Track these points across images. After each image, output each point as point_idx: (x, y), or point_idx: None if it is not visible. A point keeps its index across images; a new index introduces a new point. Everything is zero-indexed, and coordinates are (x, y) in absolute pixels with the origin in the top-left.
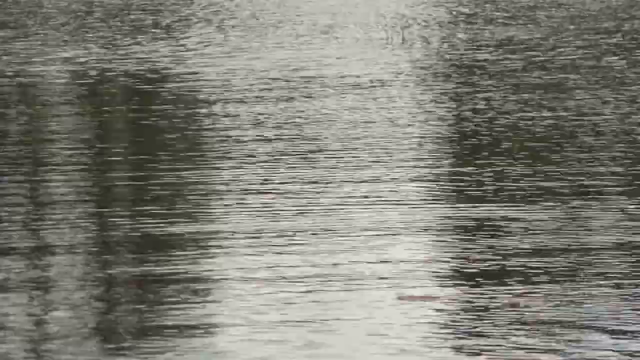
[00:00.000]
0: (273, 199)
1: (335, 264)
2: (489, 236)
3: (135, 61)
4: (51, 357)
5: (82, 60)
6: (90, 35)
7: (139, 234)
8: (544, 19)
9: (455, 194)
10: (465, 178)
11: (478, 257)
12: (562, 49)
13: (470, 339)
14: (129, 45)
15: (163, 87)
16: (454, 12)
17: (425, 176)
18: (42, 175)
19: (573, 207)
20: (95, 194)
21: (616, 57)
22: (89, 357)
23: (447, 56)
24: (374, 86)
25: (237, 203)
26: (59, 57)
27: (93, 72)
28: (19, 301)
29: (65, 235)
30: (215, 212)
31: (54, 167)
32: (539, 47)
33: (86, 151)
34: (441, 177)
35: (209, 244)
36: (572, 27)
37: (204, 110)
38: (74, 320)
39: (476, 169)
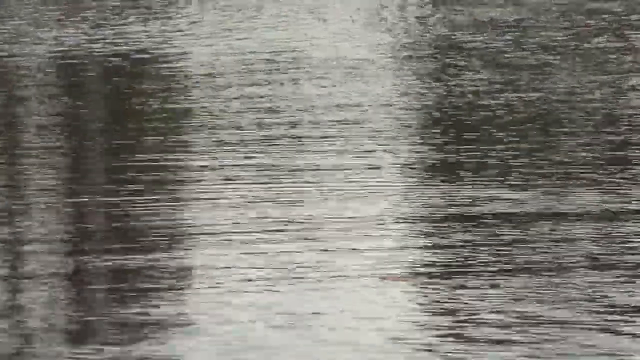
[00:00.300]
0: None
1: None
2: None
3: (123, 41)
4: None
5: (70, 41)
6: (79, 16)
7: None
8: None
9: (434, 178)
10: (448, 161)
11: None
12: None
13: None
14: (118, 25)
15: (151, 67)
16: None
17: (407, 161)
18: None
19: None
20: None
21: (600, 39)
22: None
23: (429, 36)
24: (360, 67)
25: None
26: (48, 37)
27: (81, 53)
28: None
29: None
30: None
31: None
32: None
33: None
34: (424, 161)
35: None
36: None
37: (189, 92)
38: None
39: (458, 152)
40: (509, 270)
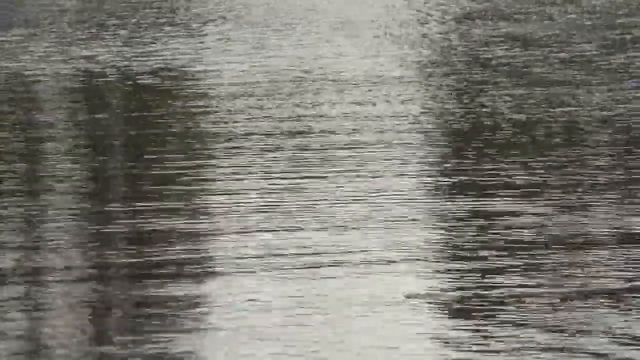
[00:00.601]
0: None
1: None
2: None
3: (154, 59)
4: None
5: (101, 58)
6: (108, 33)
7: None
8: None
9: (453, 187)
10: (466, 172)
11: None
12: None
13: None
14: (148, 42)
15: (181, 85)
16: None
17: (426, 171)
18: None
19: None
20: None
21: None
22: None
23: (457, 52)
24: (392, 83)
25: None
26: (79, 55)
27: (112, 70)
28: None
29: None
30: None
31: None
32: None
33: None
34: (443, 172)
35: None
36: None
37: (214, 105)
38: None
39: (483, 164)
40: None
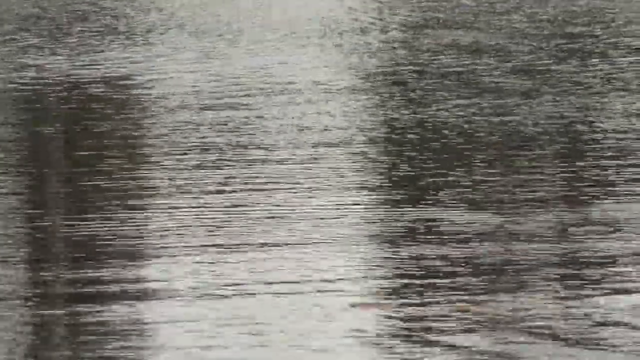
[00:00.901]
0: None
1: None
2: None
3: (105, 67)
4: None
5: (51, 67)
6: (60, 41)
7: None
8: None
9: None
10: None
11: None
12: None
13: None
14: (100, 51)
15: (133, 94)
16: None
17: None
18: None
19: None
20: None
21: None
22: None
23: (406, 61)
24: (343, 93)
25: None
26: (30, 63)
27: (63, 78)
28: None
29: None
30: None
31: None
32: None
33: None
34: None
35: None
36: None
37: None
38: None
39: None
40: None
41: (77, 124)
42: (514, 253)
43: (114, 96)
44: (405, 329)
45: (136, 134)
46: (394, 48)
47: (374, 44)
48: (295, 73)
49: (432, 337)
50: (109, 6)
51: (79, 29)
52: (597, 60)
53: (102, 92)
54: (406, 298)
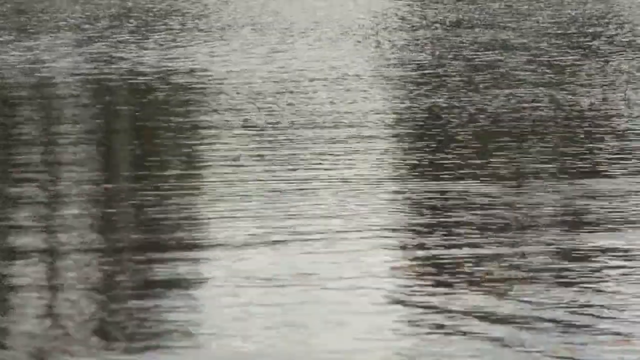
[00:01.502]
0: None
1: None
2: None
3: (190, 61)
4: None
5: (143, 60)
6: (147, 37)
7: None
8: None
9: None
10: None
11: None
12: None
13: None
14: (183, 47)
15: (214, 83)
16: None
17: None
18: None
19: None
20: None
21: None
22: None
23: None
24: (396, 82)
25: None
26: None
27: (148, 70)
28: None
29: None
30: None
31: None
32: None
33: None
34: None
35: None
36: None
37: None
38: None
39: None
40: None
41: (173, 107)
42: None
43: (198, 86)
44: None
45: (220, 116)
46: (438, 43)
47: (421, 40)
48: (351, 64)
49: None
50: (185, 7)
51: (163, 26)
52: (614, 57)
53: (187, 82)
54: None
